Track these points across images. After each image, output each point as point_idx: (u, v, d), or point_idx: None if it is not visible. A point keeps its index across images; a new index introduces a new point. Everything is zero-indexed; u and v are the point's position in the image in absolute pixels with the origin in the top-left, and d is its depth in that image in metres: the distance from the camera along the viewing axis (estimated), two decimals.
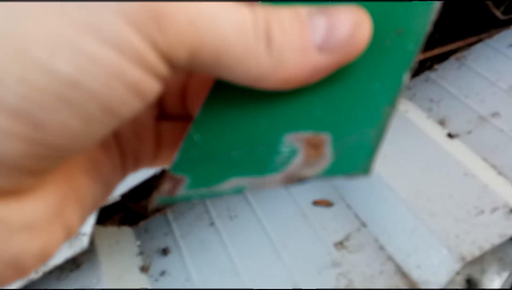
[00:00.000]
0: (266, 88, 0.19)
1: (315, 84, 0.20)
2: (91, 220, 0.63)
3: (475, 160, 0.70)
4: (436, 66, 0.83)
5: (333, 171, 0.18)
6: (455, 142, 0.73)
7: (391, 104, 0.19)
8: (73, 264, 0.69)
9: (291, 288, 0.65)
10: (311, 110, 0.20)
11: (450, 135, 0.74)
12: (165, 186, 0.20)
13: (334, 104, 0.20)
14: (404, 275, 0.65)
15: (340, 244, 0.68)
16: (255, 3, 0.22)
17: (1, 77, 0.14)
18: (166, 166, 0.25)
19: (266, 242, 0.70)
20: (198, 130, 0.21)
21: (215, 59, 0.17)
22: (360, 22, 0.19)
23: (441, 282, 0.62)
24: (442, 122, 0.76)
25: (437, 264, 0.63)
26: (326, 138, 0.19)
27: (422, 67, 0.85)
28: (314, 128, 0.20)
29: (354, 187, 0.73)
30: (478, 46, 0.84)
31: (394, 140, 0.73)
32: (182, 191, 0.20)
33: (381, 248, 0.67)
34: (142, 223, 0.78)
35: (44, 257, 0.18)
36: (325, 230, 0.70)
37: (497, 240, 0.62)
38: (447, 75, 0.82)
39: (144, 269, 0.71)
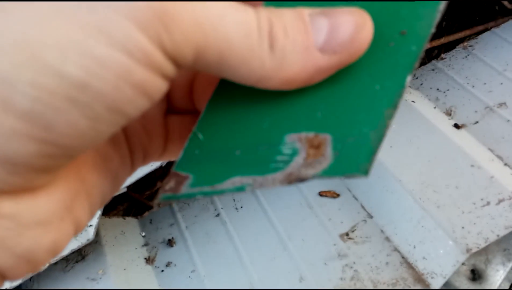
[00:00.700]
0: (269, 87, 0.20)
1: (317, 85, 0.20)
2: (98, 211, 0.62)
3: (482, 151, 0.70)
4: (443, 55, 0.82)
5: (333, 171, 0.19)
6: (461, 132, 0.73)
7: (393, 106, 0.19)
8: (79, 255, 0.69)
9: (297, 280, 0.65)
10: (312, 111, 0.20)
11: (456, 126, 0.73)
12: (170, 184, 0.20)
13: (335, 105, 0.20)
14: (409, 266, 0.65)
15: (346, 235, 0.68)
16: (259, 3, 0.22)
17: (13, 82, 0.15)
18: (174, 159, 0.25)
19: (272, 233, 0.70)
20: (202, 129, 0.21)
21: (219, 59, 0.18)
22: (362, 23, 0.19)
23: (447, 273, 0.63)
24: (449, 112, 0.75)
25: (442, 255, 0.64)
26: (326, 138, 0.19)
27: (429, 56, 0.84)
28: (315, 128, 0.20)
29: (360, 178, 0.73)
30: (485, 35, 0.83)
31: (401, 131, 0.73)
32: (185, 189, 0.20)
33: (387, 239, 0.67)
34: (147, 214, 0.78)
35: (55, 251, 0.19)
36: (331, 221, 0.70)
37: (502, 232, 0.62)
38: (454, 64, 0.81)
39: (149, 260, 0.71)
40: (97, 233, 0.69)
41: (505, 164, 0.69)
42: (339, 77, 0.20)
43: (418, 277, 0.64)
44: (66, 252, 0.62)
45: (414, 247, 0.65)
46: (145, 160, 0.26)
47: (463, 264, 0.65)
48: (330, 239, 0.68)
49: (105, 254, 0.69)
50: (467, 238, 0.63)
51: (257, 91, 0.20)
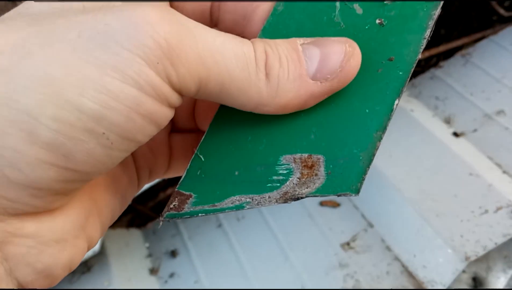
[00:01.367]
0: (266, 113, 0.21)
1: (310, 109, 0.22)
2: None
3: (480, 159, 0.71)
4: (441, 64, 0.83)
5: (326, 190, 0.21)
6: (460, 141, 0.73)
7: (382, 128, 0.21)
8: (84, 266, 0.70)
9: (299, 289, 0.66)
10: (306, 133, 0.22)
11: (455, 134, 0.74)
12: (174, 203, 0.22)
13: (327, 127, 0.22)
14: (410, 275, 0.65)
15: (347, 245, 0.69)
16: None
17: (38, 116, 0.16)
18: (177, 175, 0.27)
19: (273, 243, 0.71)
20: (203, 152, 0.23)
21: (220, 89, 0.19)
22: (351, 52, 0.21)
23: (447, 281, 0.63)
24: (447, 121, 0.76)
25: (442, 263, 0.64)
26: (320, 159, 0.21)
27: (428, 65, 0.85)
28: (309, 150, 0.21)
29: None
30: (483, 43, 0.83)
31: (400, 140, 0.73)
32: (188, 207, 0.22)
33: (388, 248, 0.68)
34: (150, 225, 0.79)
35: (71, 267, 0.21)
36: (331, 231, 0.71)
37: (500, 239, 0.63)
38: (452, 72, 0.82)
39: (153, 271, 0.72)
40: (102, 245, 0.70)
41: (504, 172, 0.69)
42: (331, 102, 0.22)
43: (419, 286, 0.64)
44: None
45: (414, 256, 0.66)
46: (150, 178, 0.28)
47: (464, 272, 0.66)
48: (331, 249, 0.69)
49: (110, 265, 0.70)
50: (466, 246, 0.63)
51: (255, 115, 0.22)
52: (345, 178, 0.21)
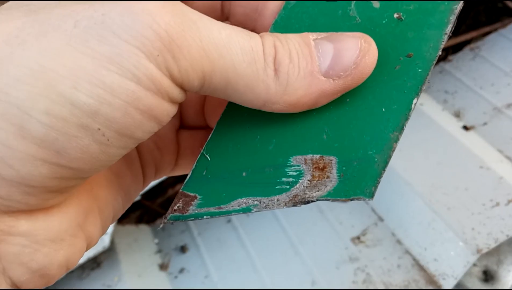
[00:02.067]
0: (274, 111, 0.20)
1: (323, 107, 0.21)
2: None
3: (490, 152, 0.70)
4: (450, 57, 0.82)
5: (338, 193, 0.19)
6: (470, 134, 0.73)
7: (399, 129, 0.20)
8: (94, 262, 0.70)
9: (309, 285, 0.66)
10: (318, 133, 0.21)
11: (465, 127, 0.74)
12: (178, 204, 0.21)
13: (341, 127, 0.20)
14: (421, 268, 0.65)
15: (357, 239, 0.69)
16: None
17: (29, 110, 0.15)
18: (185, 173, 0.26)
19: (283, 238, 0.71)
20: (209, 151, 0.21)
21: (225, 84, 0.18)
22: (366, 48, 0.19)
23: (458, 274, 0.63)
24: (457, 114, 0.76)
25: (453, 256, 0.64)
26: (332, 161, 0.20)
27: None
28: (321, 151, 0.20)
29: None
30: (492, 36, 0.83)
31: (410, 134, 0.73)
32: (193, 209, 0.21)
33: (398, 242, 0.68)
34: (159, 221, 0.79)
35: (68, 266, 0.20)
36: (342, 225, 0.71)
37: None
38: (461, 66, 0.81)
39: (163, 266, 0.72)
40: (112, 241, 0.70)
41: None
42: (345, 100, 0.21)
43: (430, 279, 0.64)
44: (82, 260, 0.63)
45: (425, 249, 0.66)
46: (156, 175, 0.27)
47: (474, 265, 0.65)
48: (341, 243, 0.69)
49: (119, 261, 0.70)
50: (477, 239, 0.63)
51: (264, 113, 0.20)
52: (359, 181, 0.19)
